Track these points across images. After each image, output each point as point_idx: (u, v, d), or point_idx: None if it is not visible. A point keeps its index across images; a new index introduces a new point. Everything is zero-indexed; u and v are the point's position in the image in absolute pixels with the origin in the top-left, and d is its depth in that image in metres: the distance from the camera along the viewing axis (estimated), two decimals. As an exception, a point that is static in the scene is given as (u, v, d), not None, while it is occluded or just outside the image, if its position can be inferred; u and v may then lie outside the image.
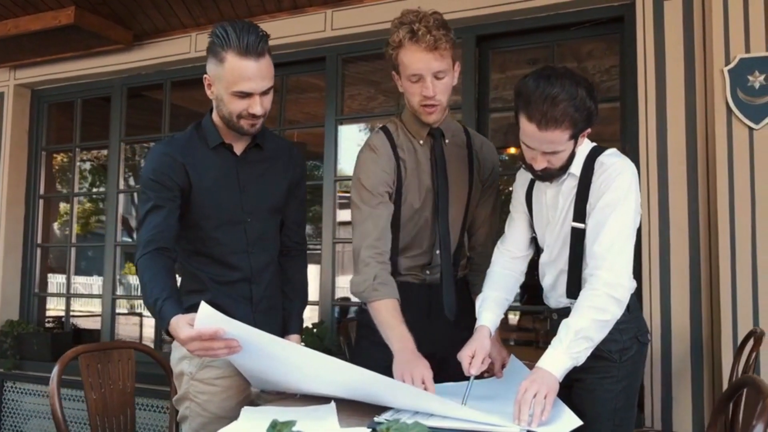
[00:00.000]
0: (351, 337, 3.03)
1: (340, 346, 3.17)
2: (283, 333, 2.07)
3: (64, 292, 5.16)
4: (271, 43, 4.50)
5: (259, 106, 1.88)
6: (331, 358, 1.59)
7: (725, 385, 2.78)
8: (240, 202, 2.00)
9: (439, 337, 2.15)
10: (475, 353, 1.84)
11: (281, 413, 1.60)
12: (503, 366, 2.04)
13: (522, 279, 2.10)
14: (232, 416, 1.90)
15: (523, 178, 2.09)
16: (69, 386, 4.12)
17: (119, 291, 6.46)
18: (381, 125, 2.22)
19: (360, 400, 1.68)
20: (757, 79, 2.93)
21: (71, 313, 5.20)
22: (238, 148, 2.03)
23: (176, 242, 1.92)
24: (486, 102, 3.79)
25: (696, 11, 3.14)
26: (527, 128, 1.76)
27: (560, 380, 1.63)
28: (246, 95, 1.86)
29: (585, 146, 1.90)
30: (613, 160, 1.85)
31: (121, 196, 4.83)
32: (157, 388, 3.71)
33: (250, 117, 1.90)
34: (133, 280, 15.47)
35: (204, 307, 1.50)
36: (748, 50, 2.96)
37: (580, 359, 1.67)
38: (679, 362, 3.02)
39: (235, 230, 1.99)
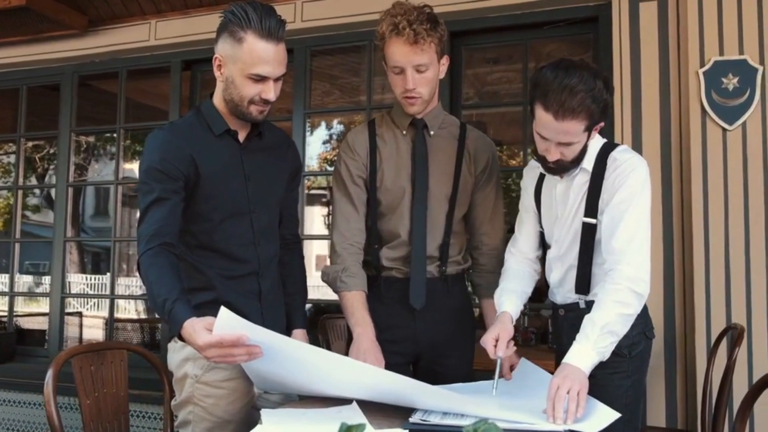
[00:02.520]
0: (329, 335, 2.97)
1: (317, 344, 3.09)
2: (287, 328, 2.00)
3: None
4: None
5: (272, 92, 1.82)
6: (359, 363, 1.54)
7: (699, 382, 2.84)
8: (246, 192, 1.91)
9: (423, 335, 2.13)
10: (499, 336, 1.83)
11: (302, 415, 1.53)
12: (512, 368, 2.01)
13: (537, 276, 2.09)
14: (237, 420, 1.82)
15: (530, 175, 2.07)
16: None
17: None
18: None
19: (384, 401, 1.62)
20: (731, 82, 3.00)
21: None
22: (241, 135, 1.94)
23: (179, 237, 1.81)
24: (459, 98, 3.77)
25: (671, 14, 3.19)
26: (543, 118, 1.75)
27: (587, 375, 1.62)
28: (261, 79, 1.80)
29: (596, 141, 1.90)
30: (626, 156, 1.85)
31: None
32: (146, 392, 3.49)
33: (261, 103, 1.84)
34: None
35: (224, 312, 1.42)
36: (722, 53, 3.03)
37: (606, 354, 1.67)
38: (653, 359, 3.06)
39: (243, 222, 1.90)
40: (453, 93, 3.71)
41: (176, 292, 1.60)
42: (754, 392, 1.60)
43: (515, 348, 1.93)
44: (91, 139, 12.08)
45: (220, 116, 1.90)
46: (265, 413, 1.53)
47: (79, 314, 7.32)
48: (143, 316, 8.05)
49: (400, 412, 1.59)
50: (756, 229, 2.93)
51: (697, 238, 2.97)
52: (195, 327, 1.51)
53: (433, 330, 2.13)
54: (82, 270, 16.18)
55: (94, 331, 8.12)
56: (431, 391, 1.55)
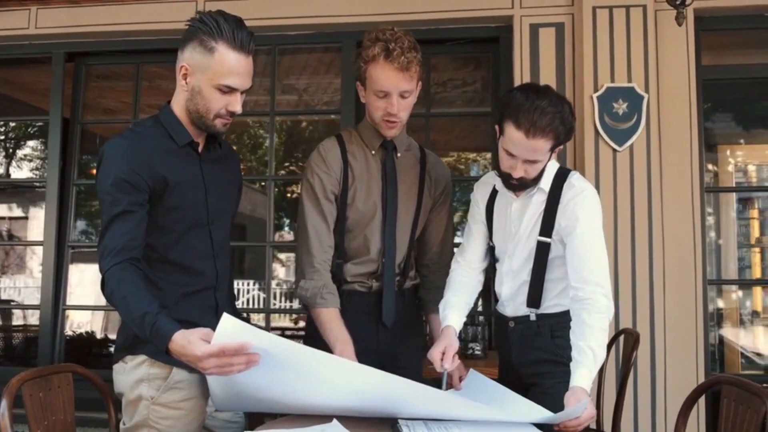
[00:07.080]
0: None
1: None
2: None
3: None
4: (127, 28, 4.11)
5: (239, 104, 1.78)
6: (362, 365, 1.55)
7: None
8: (206, 203, 1.85)
9: (386, 347, 2.18)
10: (445, 350, 1.91)
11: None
12: (461, 379, 2.08)
13: (480, 287, 2.17)
14: (194, 441, 1.75)
15: (482, 190, 2.16)
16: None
17: None
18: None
19: (372, 414, 1.63)
20: (620, 107, 3.28)
21: None
22: (200, 146, 1.88)
23: None
24: (362, 109, 3.80)
25: (567, 41, 3.44)
26: (514, 135, 1.85)
27: None
28: (230, 90, 1.74)
29: (552, 164, 2.02)
30: (583, 185, 1.99)
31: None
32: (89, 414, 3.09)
33: (227, 115, 1.78)
34: None
35: (226, 319, 1.36)
36: (613, 80, 3.31)
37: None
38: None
39: (202, 234, 1.84)
40: (357, 104, 3.74)
41: (156, 305, 1.53)
42: (698, 393, 1.78)
43: (459, 361, 2.01)
44: None
45: (182, 126, 1.82)
46: (251, 436, 1.49)
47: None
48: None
49: (377, 426, 1.60)
50: (641, 240, 3.23)
51: (589, 249, 3.21)
52: (189, 338, 1.44)
53: (394, 341, 2.19)
54: None
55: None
56: (428, 394, 1.58)
